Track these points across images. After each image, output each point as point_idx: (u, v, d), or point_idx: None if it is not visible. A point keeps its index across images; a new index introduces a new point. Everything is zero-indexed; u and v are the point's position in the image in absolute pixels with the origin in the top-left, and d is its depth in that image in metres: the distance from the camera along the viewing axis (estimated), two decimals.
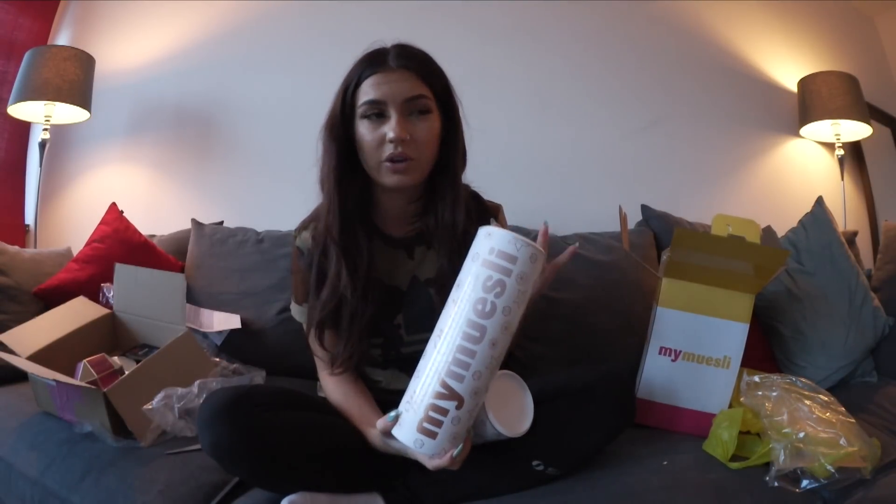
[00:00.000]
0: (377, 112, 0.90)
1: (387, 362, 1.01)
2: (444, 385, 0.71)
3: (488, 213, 1.05)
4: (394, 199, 0.99)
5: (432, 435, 0.72)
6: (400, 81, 0.90)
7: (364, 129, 0.91)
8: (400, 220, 1.01)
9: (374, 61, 0.91)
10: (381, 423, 0.76)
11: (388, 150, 0.90)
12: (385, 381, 1.02)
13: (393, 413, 0.75)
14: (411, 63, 0.91)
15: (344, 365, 0.95)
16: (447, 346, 0.72)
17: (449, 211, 0.96)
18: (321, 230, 0.96)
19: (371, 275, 0.95)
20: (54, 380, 0.99)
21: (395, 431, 0.74)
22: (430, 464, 0.75)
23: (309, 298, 0.98)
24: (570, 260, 0.89)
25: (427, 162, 0.94)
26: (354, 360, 0.96)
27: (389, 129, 0.89)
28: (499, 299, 0.71)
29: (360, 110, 0.91)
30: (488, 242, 0.72)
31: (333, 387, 0.98)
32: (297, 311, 1.04)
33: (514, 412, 0.86)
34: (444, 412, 0.71)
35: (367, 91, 0.90)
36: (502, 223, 1.09)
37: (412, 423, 0.73)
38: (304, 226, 1.02)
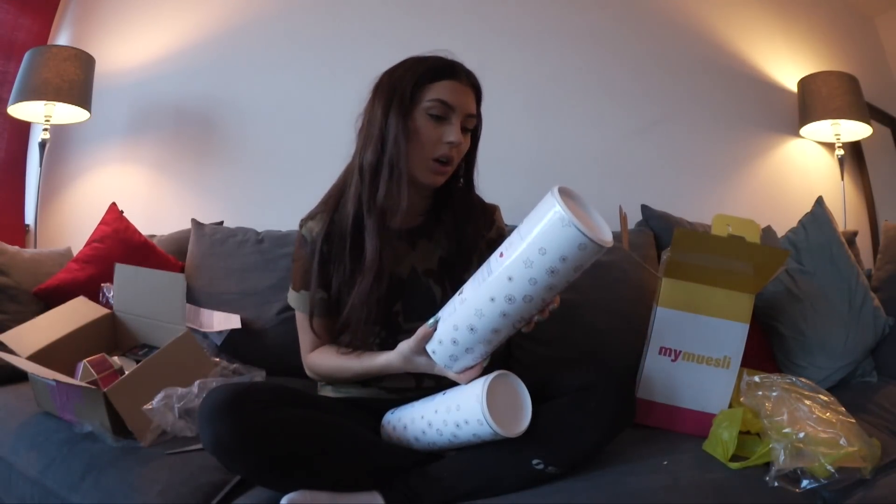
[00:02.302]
0: (442, 113, 0.96)
1: (384, 350, 1.02)
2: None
3: (488, 213, 1.11)
4: (413, 194, 1.02)
5: (471, 369, 0.87)
6: (468, 96, 0.98)
7: (424, 124, 0.96)
8: (407, 214, 1.03)
9: (448, 68, 0.97)
10: (422, 329, 0.86)
11: (442, 150, 0.96)
12: (387, 378, 1.02)
13: (432, 319, 0.86)
14: (476, 85, 1.01)
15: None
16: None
17: (462, 215, 1.05)
18: (334, 218, 1.01)
19: (380, 264, 0.98)
20: (54, 380, 0.99)
21: (438, 359, 0.86)
22: (462, 377, 0.87)
23: (310, 286, 1.01)
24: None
25: (454, 169, 1.02)
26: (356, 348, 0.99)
27: (452, 134, 0.95)
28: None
29: (425, 105, 0.96)
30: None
31: (322, 356, 1.03)
32: (293, 298, 1.07)
33: (512, 412, 0.86)
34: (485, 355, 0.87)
35: (441, 92, 0.95)
36: (500, 223, 1.12)
37: (464, 363, 0.86)
38: (310, 216, 1.06)
